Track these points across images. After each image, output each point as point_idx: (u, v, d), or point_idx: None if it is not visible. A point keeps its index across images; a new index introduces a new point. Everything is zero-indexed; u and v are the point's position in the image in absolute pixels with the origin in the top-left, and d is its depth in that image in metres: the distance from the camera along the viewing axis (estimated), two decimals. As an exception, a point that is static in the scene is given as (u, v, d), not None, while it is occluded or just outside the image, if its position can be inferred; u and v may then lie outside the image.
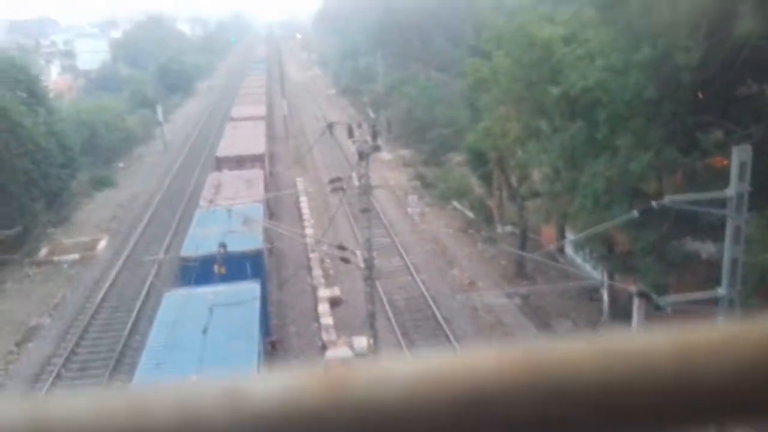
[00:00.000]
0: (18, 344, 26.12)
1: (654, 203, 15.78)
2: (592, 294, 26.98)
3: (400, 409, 0.52)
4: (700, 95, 21.34)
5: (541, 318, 25.85)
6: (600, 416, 0.53)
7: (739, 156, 14.58)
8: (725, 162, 18.73)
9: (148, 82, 79.09)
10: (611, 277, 24.94)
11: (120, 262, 33.12)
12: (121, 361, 24.25)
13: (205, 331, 17.89)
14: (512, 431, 0.53)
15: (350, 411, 0.51)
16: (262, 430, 0.51)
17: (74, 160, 42.09)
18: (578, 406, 0.53)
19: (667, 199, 15.75)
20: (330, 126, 31.56)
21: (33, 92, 41.17)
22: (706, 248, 21.31)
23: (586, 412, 0.53)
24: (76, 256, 34.49)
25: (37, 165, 36.46)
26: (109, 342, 25.79)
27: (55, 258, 34.42)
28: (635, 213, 16.22)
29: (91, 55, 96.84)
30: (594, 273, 27.02)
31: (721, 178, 17.06)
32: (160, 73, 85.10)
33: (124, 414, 0.51)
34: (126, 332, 26.05)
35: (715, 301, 15.27)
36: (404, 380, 0.52)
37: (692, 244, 21.59)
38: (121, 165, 53.97)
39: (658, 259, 21.01)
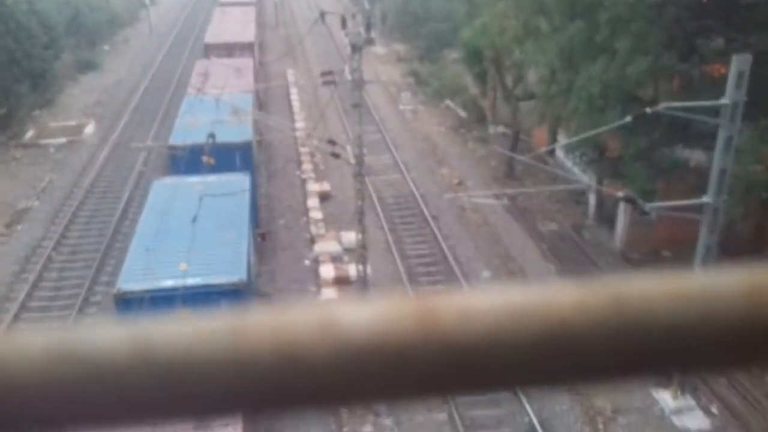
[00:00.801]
0: (7, 226, 26.25)
1: (648, 109, 15.71)
2: (578, 197, 27.29)
3: (487, 343, 0.54)
4: (704, 0, 20.78)
5: (527, 219, 26.23)
6: (675, 354, 0.56)
7: (739, 65, 14.42)
8: (723, 70, 18.54)
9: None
10: (599, 181, 25.15)
11: (107, 148, 32.85)
12: (111, 245, 24.52)
13: (194, 220, 18.02)
14: (593, 366, 0.56)
15: (440, 344, 0.53)
16: (356, 360, 0.53)
17: (57, 40, 40.81)
18: (655, 344, 0.55)
19: (662, 106, 15.66)
20: (322, 15, 30.57)
21: (13, -33, 39.25)
22: (695, 156, 21.43)
23: (662, 350, 0.55)
24: (62, 139, 34.11)
25: (20, 44, 35.32)
26: (98, 227, 25.98)
27: (42, 141, 34.03)
28: (629, 118, 16.15)
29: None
30: (582, 177, 27.22)
31: (717, 86, 16.92)
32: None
33: (224, 341, 0.53)
34: (115, 218, 26.22)
35: (699, 209, 15.54)
36: (491, 314, 0.54)
37: (682, 152, 21.68)
38: (106, 48, 52.45)
39: (647, 166, 21.15)
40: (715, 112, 15.04)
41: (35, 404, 0.51)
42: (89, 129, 35.68)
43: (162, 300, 15.83)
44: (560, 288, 0.57)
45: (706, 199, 15.50)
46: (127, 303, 15.99)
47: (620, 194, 17.63)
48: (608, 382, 0.57)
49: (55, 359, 0.51)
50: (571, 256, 23.93)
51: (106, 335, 0.53)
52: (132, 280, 16.50)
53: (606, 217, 25.44)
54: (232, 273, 16.83)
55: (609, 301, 0.56)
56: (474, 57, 32.69)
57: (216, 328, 0.54)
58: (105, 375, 0.51)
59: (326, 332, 0.53)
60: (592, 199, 26.16)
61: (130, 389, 0.51)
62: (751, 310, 0.55)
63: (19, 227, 26.19)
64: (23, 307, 21.38)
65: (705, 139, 18.55)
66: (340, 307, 0.55)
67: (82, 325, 0.54)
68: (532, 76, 28.85)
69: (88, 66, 46.40)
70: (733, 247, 18.88)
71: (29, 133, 34.81)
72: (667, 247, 23.48)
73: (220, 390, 0.52)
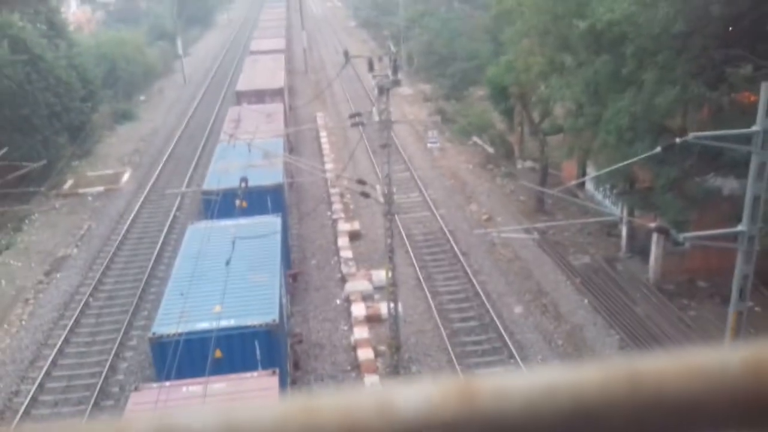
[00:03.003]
0: (47, 274, 26.87)
1: (677, 139, 15.60)
2: (610, 230, 26.98)
3: (520, 421, 0.63)
4: (730, 29, 20.73)
5: (558, 253, 25.99)
6: (685, 427, 0.63)
7: (768, 91, 14.28)
8: (752, 98, 18.38)
9: (167, 14, 78.07)
10: (631, 213, 24.87)
11: (143, 195, 33.60)
12: (147, 290, 24.90)
13: (228, 263, 18.24)
14: None
15: (479, 422, 0.63)
16: None
17: (95, 93, 42.18)
18: (666, 418, 0.62)
19: (692, 136, 15.53)
20: (347, 54, 31.17)
21: (53, 24, 40.91)
22: (728, 184, 21.12)
23: (673, 424, 0.63)
24: (100, 188, 35.03)
25: (59, 98, 36.61)
26: (134, 272, 26.44)
27: (80, 190, 34.99)
28: (658, 149, 16.04)
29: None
30: (613, 209, 26.96)
31: (747, 114, 16.75)
32: (179, 5, 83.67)
33: (295, 421, 0.63)
34: (151, 263, 26.66)
35: (734, 238, 15.26)
36: (523, 393, 0.64)
37: (714, 181, 21.39)
38: (142, 98, 54.00)
39: (679, 196, 20.89)
40: (747, 139, 14.87)
41: None
42: (125, 177, 36.60)
43: (196, 342, 15.98)
44: (582, 368, 0.65)
45: (740, 227, 15.23)
46: (162, 346, 16.16)
47: (653, 225, 17.42)
48: None
49: None
50: (604, 288, 23.57)
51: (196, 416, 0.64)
52: (167, 323, 16.69)
53: (639, 248, 25.08)
54: (265, 314, 16.94)
55: (628, 380, 0.64)
56: (500, 94, 32.89)
57: (289, 409, 0.64)
58: None
59: (383, 411, 0.63)
60: (623, 231, 25.86)
61: None
62: (752, 385, 0.62)
63: (58, 275, 26.79)
64: (60, 353, 21.75)
65: (737, 167, 18.31)
66: (395, 388, 0.66)
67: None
68: (558, 110, 28.90)
69: (124, 116, 47.76)
70: (772, 275, 18.45)
71: (68, 183, 35.82)
72: (702, 276, 23.01)
73: None
